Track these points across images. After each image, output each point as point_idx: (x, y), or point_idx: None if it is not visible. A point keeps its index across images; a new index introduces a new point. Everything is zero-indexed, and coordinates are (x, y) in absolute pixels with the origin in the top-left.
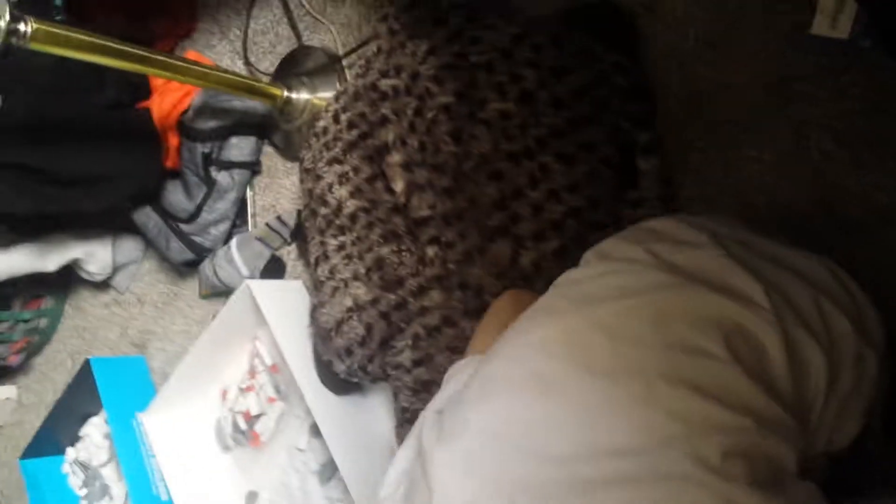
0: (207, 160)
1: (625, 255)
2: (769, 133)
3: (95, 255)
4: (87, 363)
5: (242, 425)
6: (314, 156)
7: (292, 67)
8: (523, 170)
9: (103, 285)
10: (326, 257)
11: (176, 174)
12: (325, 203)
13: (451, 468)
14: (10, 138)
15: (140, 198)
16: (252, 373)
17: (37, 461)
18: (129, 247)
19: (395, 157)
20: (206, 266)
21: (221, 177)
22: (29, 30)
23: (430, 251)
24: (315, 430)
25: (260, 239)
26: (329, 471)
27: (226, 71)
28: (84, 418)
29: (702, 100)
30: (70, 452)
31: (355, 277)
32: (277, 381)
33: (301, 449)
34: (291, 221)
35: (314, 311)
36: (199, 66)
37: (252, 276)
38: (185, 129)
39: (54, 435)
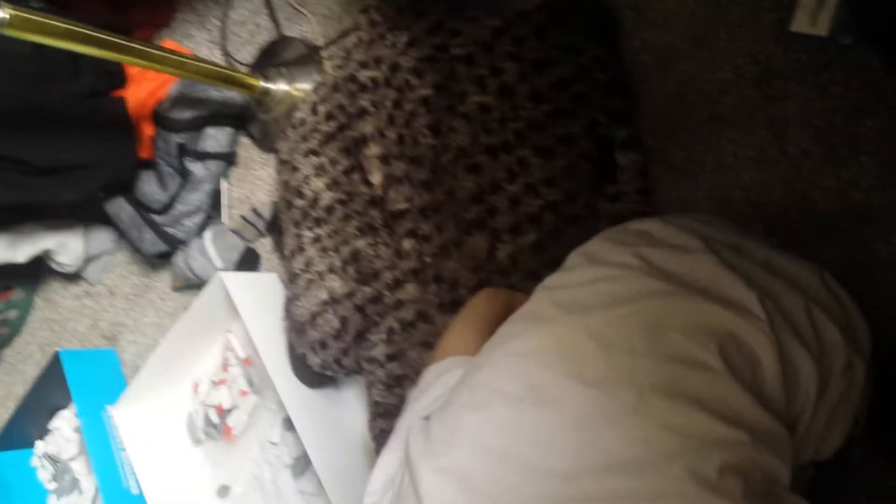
0: (182, 151)
1: (615, 259)
2: (748, 129)
3: (67, 246)
4: (56, 356)
5: (214, 419)
6: (291, 147)
7: (271, 58)
8: (501, 163)
9: (74, 277)
10: (302, 249)
11: (150, 164)
12: (301, 195)
13: (443, 481)
14: None
15: (114, 187)
16: (225, 366)
17: (5, 454)
18: (102, 238)
19: (373, 150)
20: (179, 258)
21: (196, 168)
22: (5, 16)
23: (407, 244)
24: (288, 424)
25: (234, 231)
26: (302, 465)
27: (203, 60)
28: (53, 411)
29: (682, 96)
30: (39, 446)
31: (331, 270)
32: (250, 374)
33: (274, 443)
34: (267, 213)
35: (289, 303)
36: (175, 56)
37: (226, 269)
38: (160, 118)
39: (23, 428)
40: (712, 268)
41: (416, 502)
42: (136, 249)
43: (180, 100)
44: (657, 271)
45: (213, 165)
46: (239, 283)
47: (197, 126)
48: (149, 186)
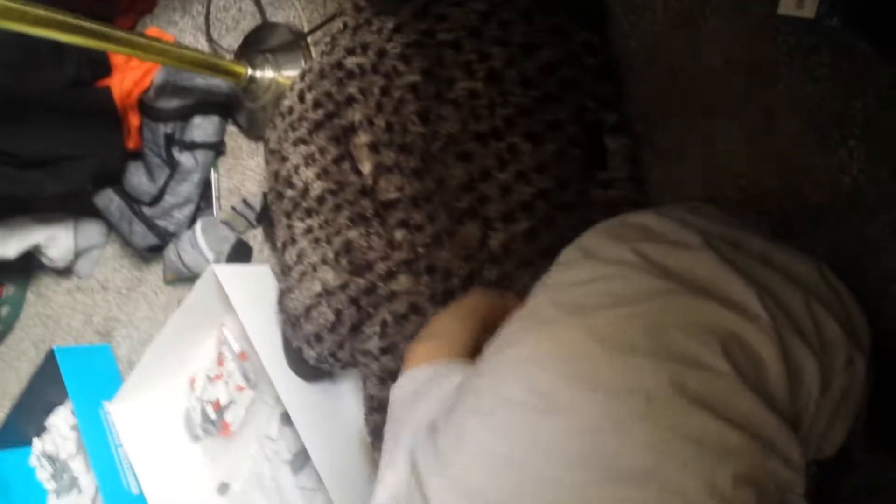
0: (170, 141)
1: (612, 255)
2: (737, 114)
3: (57, 240)
4: (51, 353)
5: (212, 415)
6: (279, 136)
7: (256, 44)
8: (491, 150)
9: (65, 271)
10: (294, 241)
11: (137, 155)
12: (291, 185)
13: (451, 491)
14: None
15: (102, 179)
16: (220, 361)
17: (3, 453)
18: (92, 231)
19: (362, 138)
20: (170, 251)
21: (185, 158)
22: None
23: (399, 234)
24: (286, 419)
25: (225, 222)
26: (301, 460)
27: (187, 48)
28: (50, 409)
29: (671, 81)
30: (37, 444)
31: (324, 261)
32: (246, 368)
33: (272, 438)
34: (257, 204)
35: (282, 296)
36: (160, 43)
37: (218, 261)
38: (146, 108)
39: (20, 426)
40: (712, 265)
41: None
42: (126, 243)
43: (165, 88)
44: (656, 268)
45: (202, 155)
46: (231, 276)
47: (184, 115)
48: (137, 178)
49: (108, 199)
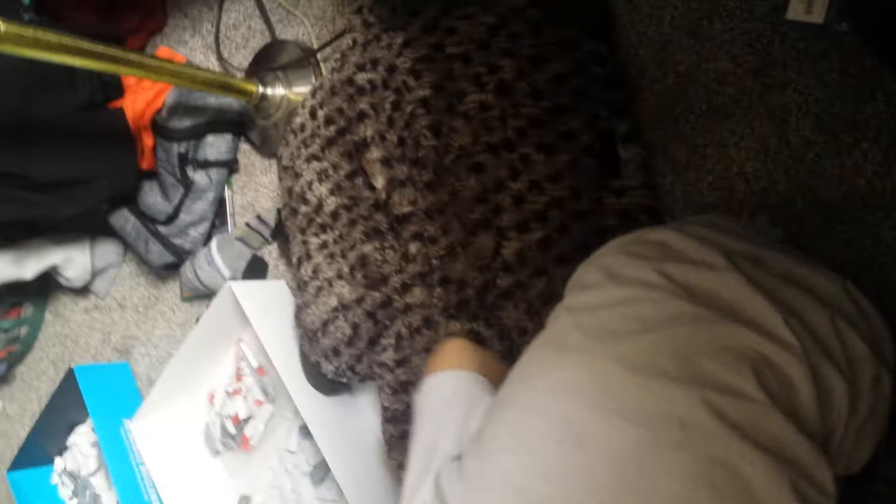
0: (183, 160)
1: (637, 276)
2: (749, 119)
3: (74, 261)
4: (70, 371)
5: (231, 429)
6: (292, 153)
7: (266, 62)
8: (504, 161)
9: (83, 291)
10: (309, 256)
11: (152, 175)
12: (305, 201)
13: None
14: None
15: (117, 199)
16: (238, 376)
17: (25, 472)
18: (108, 251)
19: (375, 153)
20: (186, 268)
21: (199, 176)
22: None
23: (413, 247)
24: (305, 432)
25: (240, 239)
26: (321, 472)
27: (199, 68)
28: (71, 427)
29: (681, 88)
30: (58, 462)
31: (339, 276)
32: (264, 383)
33: (292, 451)
34: (271, 220)
35: (299, 311)
36: (172, 65)
37: (234, 278)
38: (159, 128)
39: (41, 445)
40: (737, 286)
41: None
42: (142, 261)
43: (178, 108)
44: (682, 291)
45: (215, 173)
46: (248, 292)
47: (196, 134)
48: (152, 197)
49: (124, 219)
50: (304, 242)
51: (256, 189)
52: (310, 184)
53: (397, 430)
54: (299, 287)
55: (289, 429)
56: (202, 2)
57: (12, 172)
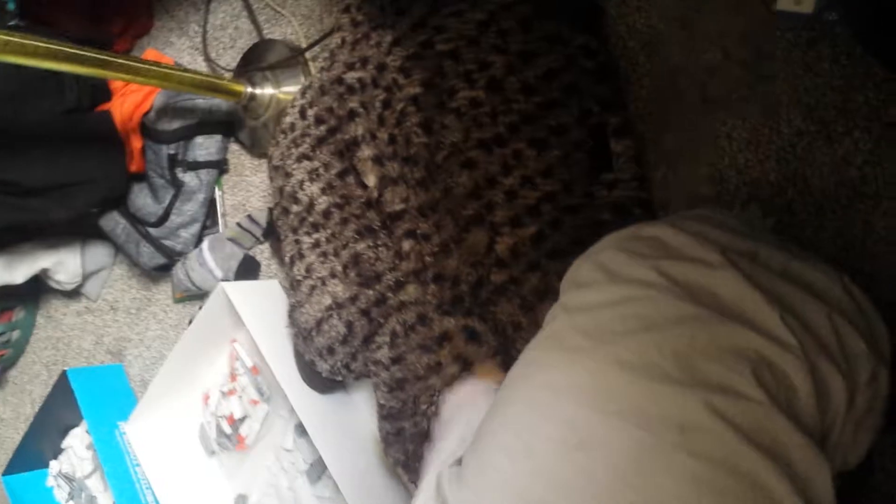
0: (173, 162)
1: (635, 275)
2: (740, 110)
3: (64, 264)
4: (64, 374)
5: (227, 429)
6: (283, 153)
7: (254, 62)
8: (496, 157)
9: (74, 293)
10: (301, 256)
11: (142, 178)
12: (296, 200)
13: None
14: None
15: (107, 203)
16: (233, 376)
17: (20, 476)
18: (99, 253)
19: (366, 152)
20: (178, 269)
21: (188, 178)
22: None
23: (406, 245)
24: (301, 430)
25: (232, 239)
26: (318, 470)
27: (187, 70)
28: (65, 430)
29: (671, 80)
30: (53, 465)
31: (332, 275)
32: (259, 382)
33: (288, 449)
34: (263, 220)
35: (292, 311)
36: (159, 67)
37: (226, 278)
38: (148, 130)
39: (36, 449)
40: (735, 285)
41: None
42: (134, 263)
43: (166, 110)
44: (680, 290)
45: (205, 174)
46: (241, 292)
47: (185, 136)
48: (142, 200)
49: (114, 222)
50: (297, 242)
51: (247, 189)
52: (301, 183)
53: (393, 428)
54: (292, 286)
55: (284, 427)
56: (189, 3)
57: (1, 178)
